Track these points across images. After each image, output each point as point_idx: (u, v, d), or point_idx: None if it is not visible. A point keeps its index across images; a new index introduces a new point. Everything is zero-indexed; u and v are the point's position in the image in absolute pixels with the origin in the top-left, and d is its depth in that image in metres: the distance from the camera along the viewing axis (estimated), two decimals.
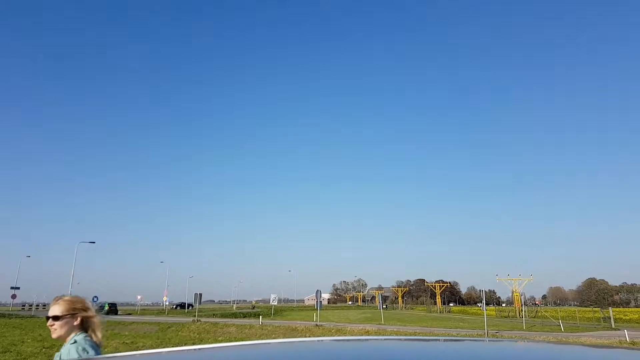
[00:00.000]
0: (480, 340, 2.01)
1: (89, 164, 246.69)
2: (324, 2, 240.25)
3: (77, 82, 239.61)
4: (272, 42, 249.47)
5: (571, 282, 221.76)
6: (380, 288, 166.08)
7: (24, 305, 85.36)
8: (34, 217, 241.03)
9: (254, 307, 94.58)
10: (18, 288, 59.17)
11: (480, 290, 34.97)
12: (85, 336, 2.87)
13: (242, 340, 2.14)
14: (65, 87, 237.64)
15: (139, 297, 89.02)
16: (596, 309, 52.25)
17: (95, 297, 59.95)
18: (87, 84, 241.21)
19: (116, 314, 61.42)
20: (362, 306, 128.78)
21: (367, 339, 2.06)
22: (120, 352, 1.82)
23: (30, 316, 45.60)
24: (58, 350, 2.83)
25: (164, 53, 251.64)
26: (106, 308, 61.39)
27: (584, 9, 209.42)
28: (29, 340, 19.02)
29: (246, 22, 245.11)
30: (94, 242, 58.65)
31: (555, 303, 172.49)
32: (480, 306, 35.39)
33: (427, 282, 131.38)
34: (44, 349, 15.97)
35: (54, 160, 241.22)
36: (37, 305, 77.92)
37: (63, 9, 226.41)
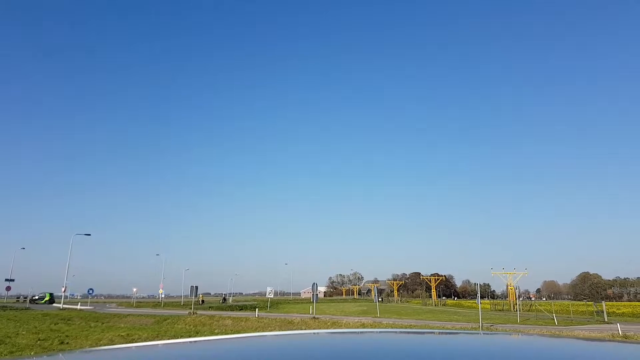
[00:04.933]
0: (475, 333, 2.03)
1: (85, 157, 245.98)
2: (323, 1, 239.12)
3: (74, 79, 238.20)
4: (273, 40, 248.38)
5: (565, 276, 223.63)
6: (376, 281, 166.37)
7: (18, 298, 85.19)
8: (29, 209, 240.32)
9: (203, 302, 73.38)
10: (13, 280, 58.99)
11: (475, 284, 35.13)
12: None
13: (238, 333, 2.14)
14: (62, 83, 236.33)
15: (134, 289, 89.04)
16: (589, 302, 52.47)
17: (91, 289, 60.11)
18: (85, 81, 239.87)
19: (52, 303, 63.75)
20: (358, 299, 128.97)
21: (362, 332, 2.07)
22: (116, 344, 1.82)
23: (25, 308, 45.51)
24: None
25: (163, 51, 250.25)
26: (47, 298, 63.01)
27: (584, 7, 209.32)
28: (23, 333, 18.99)
29: (245, 20, 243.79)
30: (89, 235, 58.62)
31: (549, 297, 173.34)
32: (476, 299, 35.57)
33: (422, 276, 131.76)
34: (39, 341, 15.94)
35: (50, 153, 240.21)
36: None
37: (57, 7, 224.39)
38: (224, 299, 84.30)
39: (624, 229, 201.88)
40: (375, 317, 39.31)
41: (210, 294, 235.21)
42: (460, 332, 2.06)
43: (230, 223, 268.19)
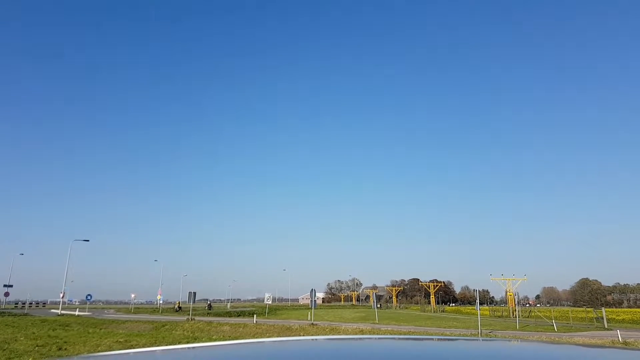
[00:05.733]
0: (474, 340, 2.02)
1: (84, 162, 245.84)
2: (323, 2, 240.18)
3: (71, 81, 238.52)
4: (272, 41, 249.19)
5: (564, 283, 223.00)
6: (374, 287, 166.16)
7: (17, 303, 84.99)
8: (28, 214, 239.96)
9: (180, 308, 68.51)
10: (11, 286, 58.91)
11: (474, 290, 35.07)
12: None
13: (236, 339, 2.13)
14: (60, 85, 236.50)
15: (132, 295, 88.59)
16: (589, 309, 52.41)
17: (89, 295, 59.91)
18: (83, 83, 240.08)
19: None
20: (357, 305, 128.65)
21: (361, 338, 2.07)
22: (114, 350, 1.82)
23: (23, 314, 45.33)
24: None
25: (161, 52, 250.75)
26: None
27: (583, 7, 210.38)
28: (22, 338, 18.91)
29: (246, 21, 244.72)
30: (87, 241, 58.56)
31: (548, 303, 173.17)
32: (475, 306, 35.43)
33: (421, 282, 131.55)
34: (37, 347, 15.88)
35: (48, 158, 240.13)
36: (31, 303, 77.63)
37: (60, 7, 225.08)
38: (209, 306, 78.90)
39: (624, 235, 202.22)
40: (374, 323, 39.20)
41: (208, 300, 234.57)
42: (459, 339, 2.06)
43: (228, 229, 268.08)
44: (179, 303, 72.46)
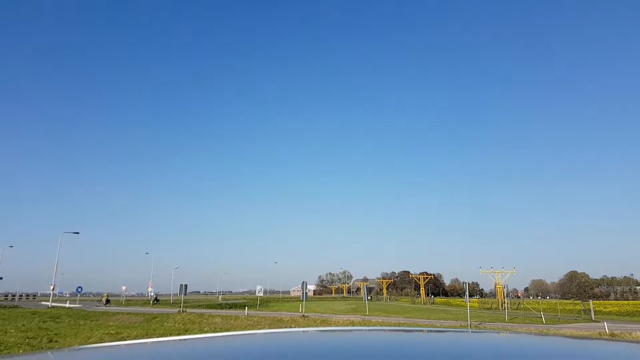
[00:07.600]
0: (464, 331, 2.04)
1: (74, 156, 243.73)
2: (322, 2, 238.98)
3: (66, 78, 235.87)
4: (270, 40, 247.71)
5: (553, 275, 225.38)
6: (365, 280, 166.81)
7: (6, 296, 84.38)
8: (18, 206, 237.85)
9: (108, 301, 61.68)
10: (1, 278, 58.44)
11: (463, 283, 35.32)
12: None
13: (228, 331, 2.14)
14: (53, 82, 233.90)
15: (123, 287, 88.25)
16: (577, 301, 53.05)
17: (79, 287, 59.65)
18: (78, 80, 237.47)
19: None
20: (348, 297, 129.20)
21: (351, 330, 2.08)
22: (105, 342, 1.82)
23: (13, 306, 45.05)
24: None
25: (157, 51, 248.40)
26: None
27: (583, 8, 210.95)
28: (12, 331, 18.80)
29: (246, 21, 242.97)
30: (78, 233, 58.12)
31: (537, 295, 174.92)
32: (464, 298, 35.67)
33: (411, 274, 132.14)
34: (27, 340, 15.79)
35: (39, 151, 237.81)
36: (21, 296, 77.14)
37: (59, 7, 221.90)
38: (156, 299, 71.49)
39: (612, 228, 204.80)
40: (365, 315, 39.41)
41: (199, 292, 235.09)
42: (448, 330, 2.08)
43: (220, 222, 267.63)
44: (107, 295, 69.53)
